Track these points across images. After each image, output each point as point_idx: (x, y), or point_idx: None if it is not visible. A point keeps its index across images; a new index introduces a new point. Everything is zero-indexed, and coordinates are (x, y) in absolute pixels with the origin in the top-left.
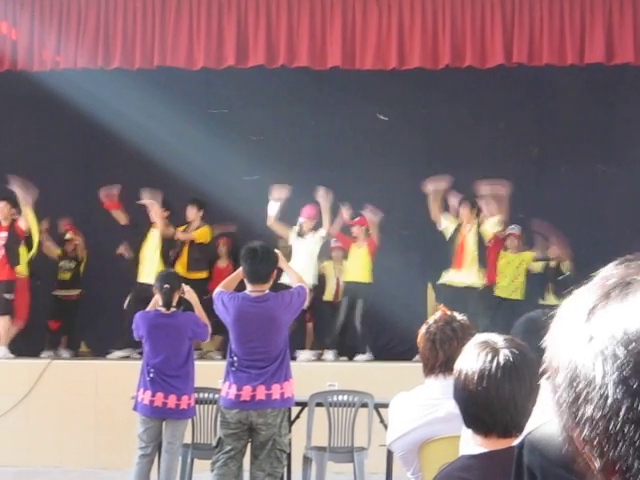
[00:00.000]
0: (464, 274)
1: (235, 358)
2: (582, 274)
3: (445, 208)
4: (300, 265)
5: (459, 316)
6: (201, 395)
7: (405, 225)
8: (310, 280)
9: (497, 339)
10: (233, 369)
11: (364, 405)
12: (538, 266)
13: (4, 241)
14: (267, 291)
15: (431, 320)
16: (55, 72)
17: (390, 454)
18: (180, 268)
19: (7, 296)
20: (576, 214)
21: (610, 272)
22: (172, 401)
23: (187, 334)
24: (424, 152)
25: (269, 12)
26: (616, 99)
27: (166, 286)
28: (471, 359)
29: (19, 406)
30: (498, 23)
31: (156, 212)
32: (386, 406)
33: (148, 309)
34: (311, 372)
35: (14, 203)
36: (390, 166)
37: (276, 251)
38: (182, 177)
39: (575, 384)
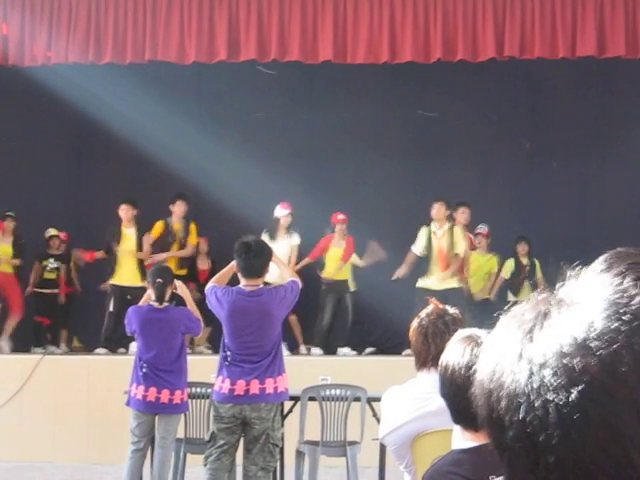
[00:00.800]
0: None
1: (228, 352)
2: (572, 268)
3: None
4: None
5: (451, 310)
6: (194, 390)
7: (397, 219)
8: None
9: (480, 333)
10: (226, 363)
11: (357, 399)
12: (508, 270)
13: None
14: (261, 285)
15: (423, 314)
16: (46, 67)
17: (383, 448)
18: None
19: None
20: (567, 208)
21: (525, 307)
22: (165, 396)
23: (180, 329)
24: (416, 146)
25: (260, 6)
26: (608, 93)
27: (159, 280)
28: (457, 354)
29: (12, 402)
30: (489, 17)
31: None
32: (379, 400)
33: (141, 304)
34: (304, 366)
35: None
36: (382, 160)
37: (270, 246)
38: (173, 171)
39: (528, 428)
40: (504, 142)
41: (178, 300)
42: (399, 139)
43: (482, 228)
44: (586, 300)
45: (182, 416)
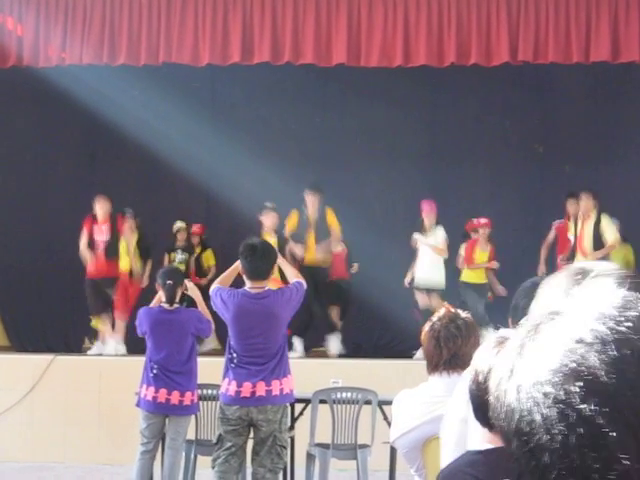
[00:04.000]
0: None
1: (234, 354)
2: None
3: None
4: (427, 263)
5: (463, 313)
6: (204, 391)
7: (409, 222)
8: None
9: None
10: (232, 365)
11: (368, 402)
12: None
13: (106, 237)
14: (266, 287)
15: (435, 317)
16: (61, 68)
17: (393, 451)
18: None
19: (108, 291)
20: None
21: (521, 327)
22: (175, 397)
23: (190, 330)
24: (429, 150)
25: (274, 9)
26: (621, 98)
27: (169, 282)
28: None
29: (23, 402)
30: (504, 21)
31: None
32: (390, 403)
33: (152, 305)
34: (315, 369)
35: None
36: (395, 163)
37: (274, 247)
38: (186, 173)
39: (523, 437)
40: (517, 146)
41: (189, 301)
42: (412, 143)
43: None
44: (573, 311)
45: (192, 417)
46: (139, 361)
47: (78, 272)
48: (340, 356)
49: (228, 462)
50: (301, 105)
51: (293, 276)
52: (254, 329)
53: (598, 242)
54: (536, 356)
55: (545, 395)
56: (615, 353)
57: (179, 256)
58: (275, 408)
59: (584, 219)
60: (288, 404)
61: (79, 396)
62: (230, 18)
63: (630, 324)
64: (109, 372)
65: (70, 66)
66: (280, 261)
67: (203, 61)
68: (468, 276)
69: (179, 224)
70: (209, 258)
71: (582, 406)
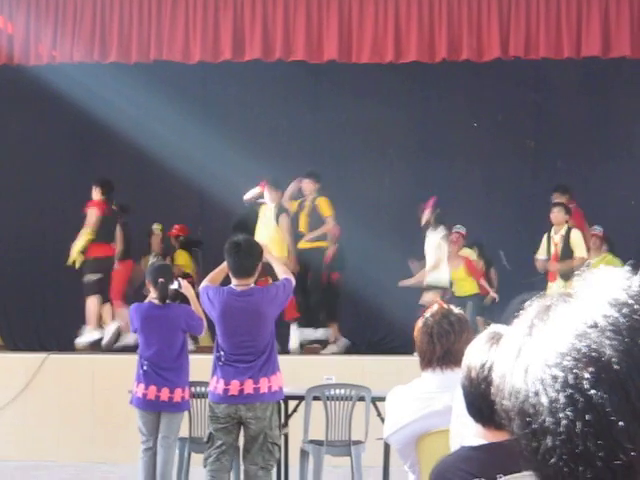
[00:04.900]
0: None
1: (222, 352)
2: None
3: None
4: (430, 258)
5: (456, 309)
6: (197, 389)
7: (401, 219)
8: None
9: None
10: (220, 363)
11: (361, 399)
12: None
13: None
14: (252, 285)
15: (428, 314)
16: (51, 66)
17: (387, 447)
18: None
19: (94, 276)
20: None
21: (531, 306)
22: (165, 394)
23: (180, 326)
24: (420, 145)
25: (265, 5)
26: (612, 92)
27: (161, 280)
28: (477, 351)
29: (16, 400)
30: (495, 16)
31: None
32: (383, 399)
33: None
34: (308, 366)
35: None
36: (386, 159)
37: (260, 243)
38: (178, 171)
39: (527, 418)
40: (509, 142)
41: (182, 298)
42: (403, 138)
43: (597, 229)
44: (586, 295)
45: (185, 415)
46: (132, 359)
47: (71, 270)
48: (333, 352)
49: (219, 461)
50: (293, 102)
51: (282, 272)
52: (240, 327)
53: (567, 253)
54: (546, 337)
55: (554, 378)
56: (629, 341)
57: (152, 260)
58: (264, 406)
59: (555, 231)
60: (280, 401)
61: (72, 394)
62: (221, 15)
63: None
64: (102, 370)
65: (61, 64)
66: (268, 257)
67: (194, 58)
68: (458, 289)
69: (154, 226)
70: (179, 258)
71: (592, 392)
